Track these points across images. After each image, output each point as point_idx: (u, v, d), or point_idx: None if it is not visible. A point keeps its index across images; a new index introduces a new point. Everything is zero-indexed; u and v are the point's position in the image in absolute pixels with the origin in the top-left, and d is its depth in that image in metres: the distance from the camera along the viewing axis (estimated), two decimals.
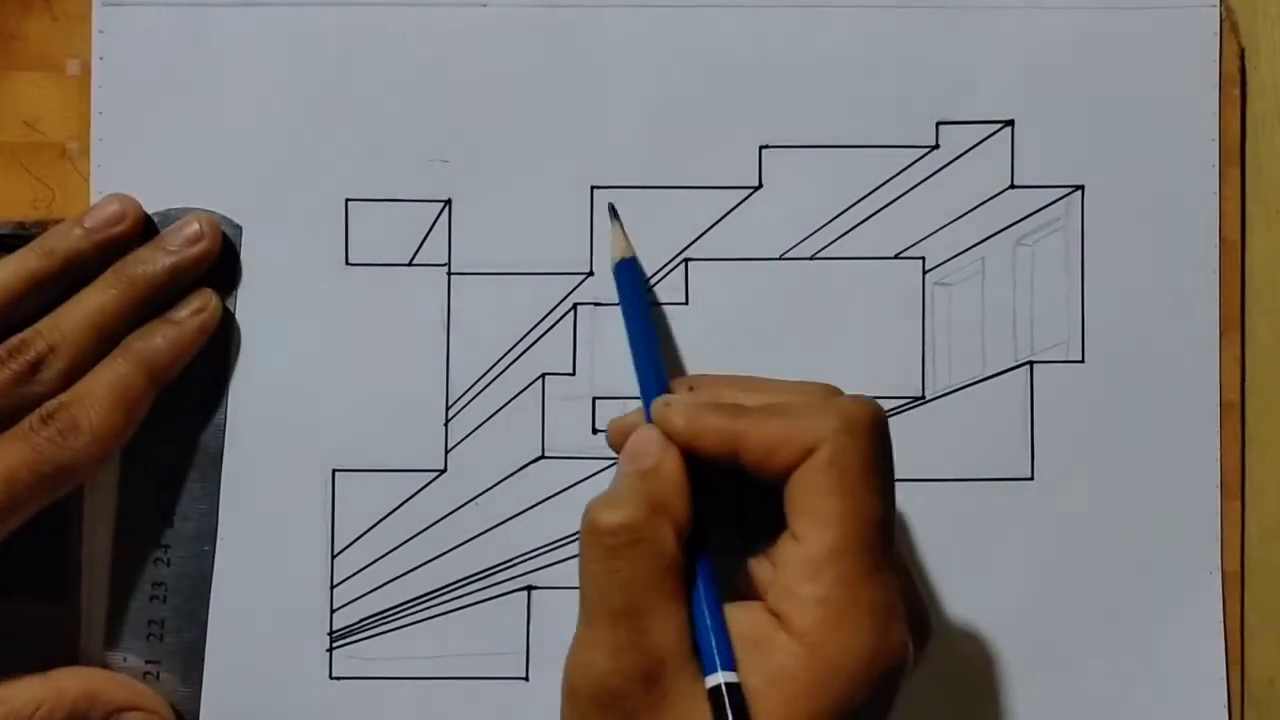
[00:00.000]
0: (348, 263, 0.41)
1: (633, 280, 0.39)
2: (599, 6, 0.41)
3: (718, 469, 0.34)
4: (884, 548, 0.32)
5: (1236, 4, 0.41)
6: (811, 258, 0.41)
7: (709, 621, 0.32)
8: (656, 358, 0.38)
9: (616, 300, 0.40)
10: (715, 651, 0.32)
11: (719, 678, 0.31)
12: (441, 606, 0.40)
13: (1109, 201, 0.41)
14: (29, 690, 0.36)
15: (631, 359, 0.38)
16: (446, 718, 0.40)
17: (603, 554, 0.32)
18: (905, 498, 0.40)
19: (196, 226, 0.39)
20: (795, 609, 0.31)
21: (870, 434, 0.33)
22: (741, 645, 0.32)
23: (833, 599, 0.31)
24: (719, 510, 0.35)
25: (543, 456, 0.41)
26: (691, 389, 0.36)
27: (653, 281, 0.41)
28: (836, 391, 0.36)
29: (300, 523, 0.40)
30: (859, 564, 0.32)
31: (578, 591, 0.33)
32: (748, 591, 0.34)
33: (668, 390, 0.36)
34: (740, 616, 0.32)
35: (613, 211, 0.40)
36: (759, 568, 0.34)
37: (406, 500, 0.40)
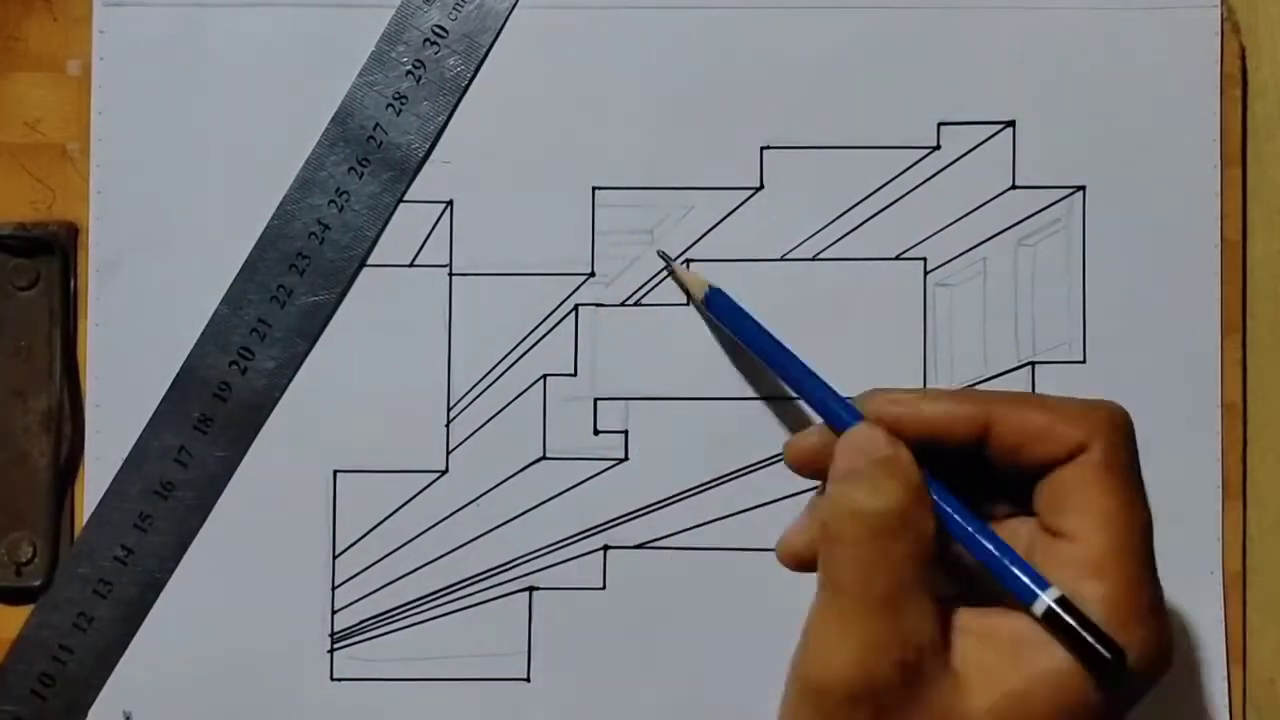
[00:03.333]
0: None
1: (730, 306, 0.39)
2: (600, 7, 0.41)
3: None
4: (1151, 559, 0.32)
5: (1237, 4, 0.41)
6: (813, 259, 0.41)
7: (998, 552, 0.32)
8: (807, 368, 0.37)
9: (619, 302, 0.40)
10: (1027, 576, 0.31)
11: (1050, 595, 0.31)
12: (443, 607, 0.40)
13: (1110, 202, 0.41)
14: None
15: (784, 380, 0.37)
16: (447, 719, 0.40)
17: (868, 537, 0.31)
18: None
19: None
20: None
21: (1132, 437, 0.33)
22: (1009, 646, 0.31)
23: (1117, 599, 0.31)
24: None
25: (544, 457, 0.41)
26: (894, 402, 0.34)
27: (653, 282, 0.41)
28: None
29: (301, 524, 0.40)
30: (1138, 566, 0.31)
31: (820, 579, 0.32)
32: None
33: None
34: (999, 620, 0.32)
35: (665, 259, 0.40)
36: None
37: (408, 501, 0.40)
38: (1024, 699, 0.31)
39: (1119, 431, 0.32)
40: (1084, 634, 0.30)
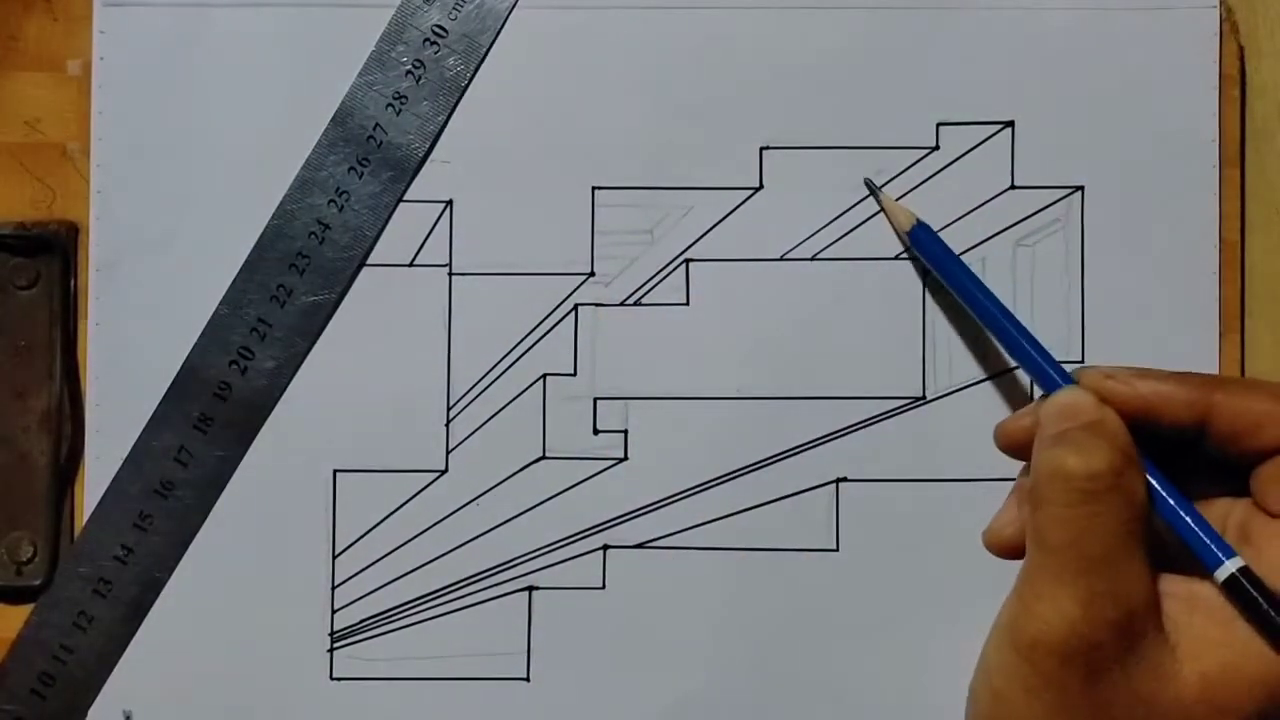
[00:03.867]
0: None
1: (940, 245, 0.39)
2: (600, 7, 0.41)
3: None
4: None
5: (1236, 4, 0.41)
6: (812, 259, 0.41)
7: (1190, 519, 0.32)
8: (1021, 324, 0.37)
9: (619, 302, 0.40)
10: (1214, 543, 0.32)
11: (1234, 564, 0.31)
12: (442, 607, 0.40)
13: (1109, 202, 0.41)
14: None
15: (995, 332, 0.38)
16: (447, 718, 0.40)
17: (1079, 499, 0.31)
18: (906, 498, 0.40)
19: None
20: None
21: None
22: (1219, 613, 0.32)
23: None
24: None
25: (544, 457, 0.41)
26: (1110, 377, 0.35)
27: (653, 281, 0.41)
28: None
29: (301, 523, 0.40)
30: None
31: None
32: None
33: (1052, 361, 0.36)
34: (1204, 588, 0.32)
35: (871, 187, 0.40)
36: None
37: (408, 501, 0.40)
38: (1235, 669, 0.31)
39: None
40: (1263, 604, 0.31)
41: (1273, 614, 0.31)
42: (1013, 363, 0.41)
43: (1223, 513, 0.34)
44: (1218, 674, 0.31)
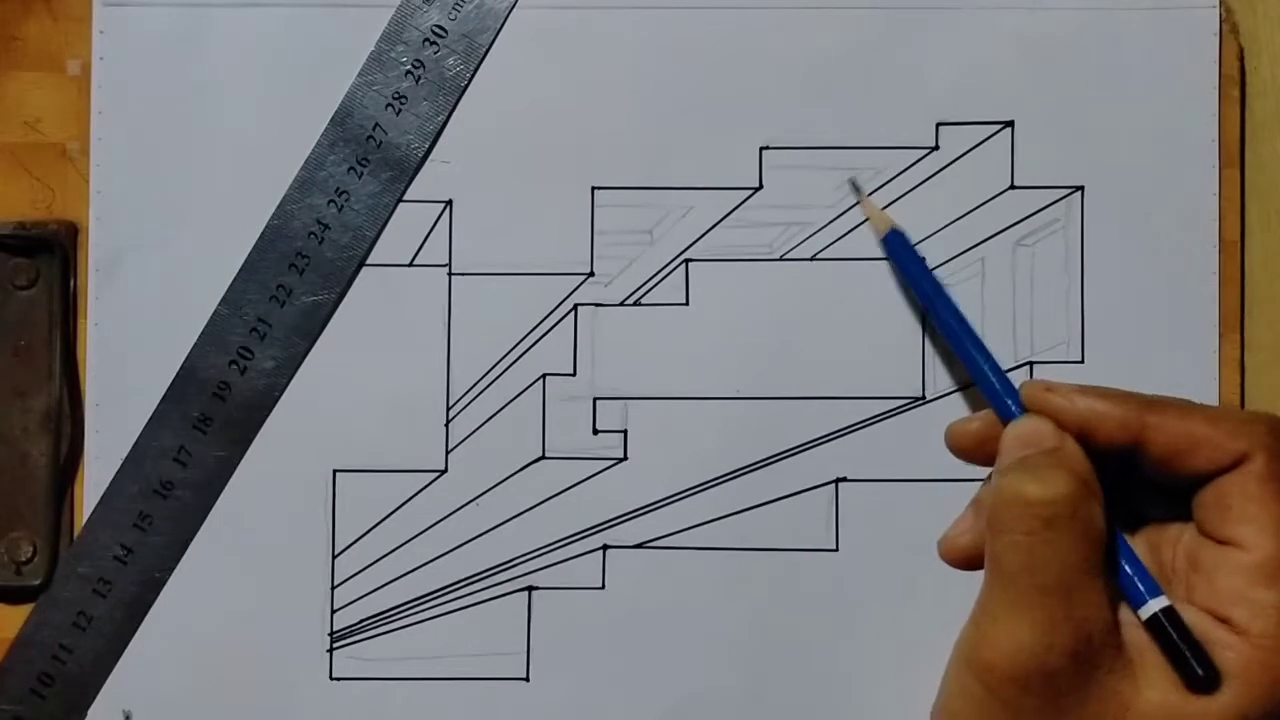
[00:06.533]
0: None
1: (911, 255, 0.38)
2: (600, 7, 0.41)
3: None
4: None
5: (1236, 4, 0.41)
6: (812, 259, 0.41)
7: (1124, 556, 0.32)
8: (980, 342, 0.37)
9: (618, 302, 0.40)
10: (1140, 581, 0.32)
11: (1157, 603, 0.31)
12: (442, 607, 0.41)
13: (1109, 202, 0.41)
14: None
15: (954, 347, 0.38)
16: (447, 718, 0.40)
17: (1037, 526, 0.31)
18: (906, 498, 0.40)
19: None
20: (1250, 614, 0.31)
21: None
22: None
23: None
24: None
25: (543, 457, 0.41)
26: (1050, 390, 0.35)
27: (653, 281, 0.41)
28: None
29: (301, 523, 0.40)
30: None
31: (994, 568, 0.32)
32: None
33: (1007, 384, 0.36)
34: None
35: (855, 188, 0.40)
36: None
37: (407, 500, 0.40)
38: (1195, 699, 0.31)
39: None
40: (1182, 647, 0.31)
41: (1188, 654, 0.31)
42: (1016, 362, 0.41)
43: (1175, 537, 0.34)
44: (1177, 703, 0.31)
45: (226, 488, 0.40)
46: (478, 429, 0.41)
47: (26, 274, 0.40)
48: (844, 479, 0.41)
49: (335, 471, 0.41)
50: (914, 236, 0.41)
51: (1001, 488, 0.32)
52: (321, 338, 0.41)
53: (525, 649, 0.41)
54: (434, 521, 0.41)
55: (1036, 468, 0.32)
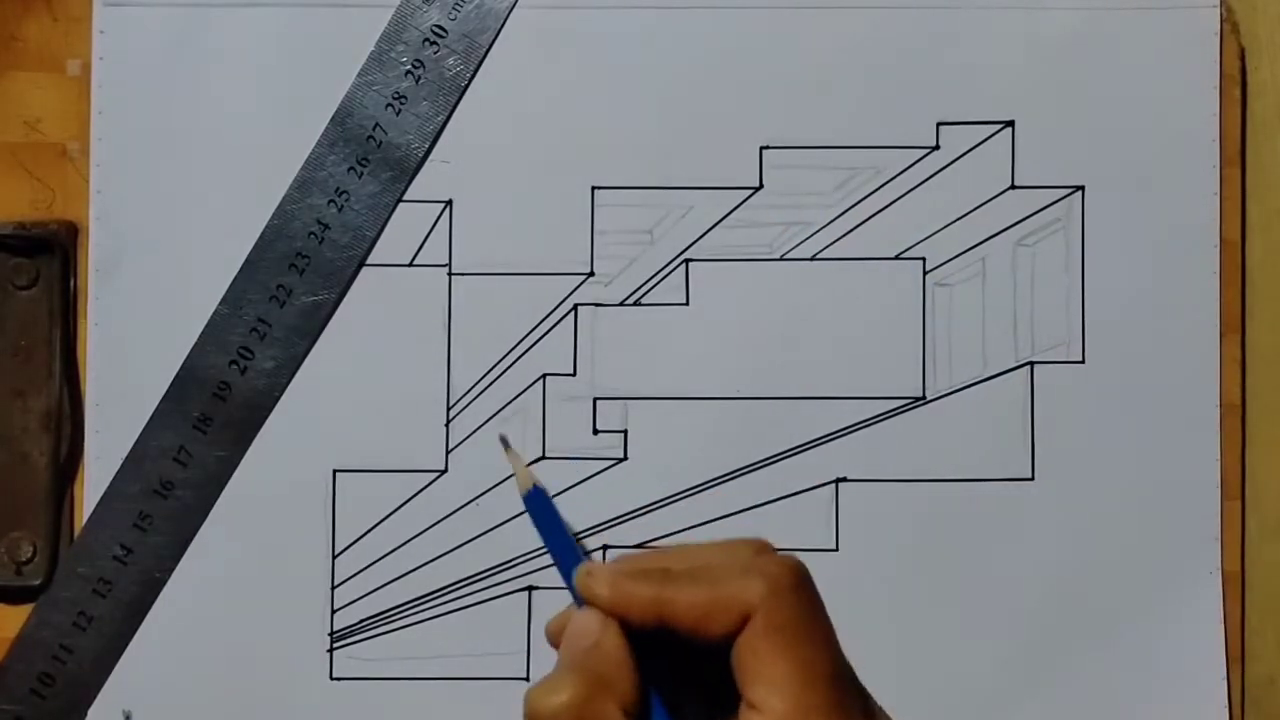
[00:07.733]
0: None
1: (547, 507, 0.37)
2: (600, 7, 0.41)
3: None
4: (846, 700, 0.31)
5: (1236, 4, 0.41)
6: (812, 258, 0.41)
7: None
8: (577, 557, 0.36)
9: (618, 302, 0.40)
10: None
11: None
12: (442, 607, 0.40)
13: (1109, 202, 0.41)
14: None
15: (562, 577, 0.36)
16: (447, 718, 0.40)
17: None
18: (906, 498, 0.40)
19: None
20: None
21: (797, 590, 0.32)
22: None
23: None
24: (681, 676, 0.33)
25: (543, 457, 0.41)
26: (589, 574, 0.34)
27: (653, 281, 0.41)
28: (765, 546, 0.34)
29: (301, 523, 0.40)
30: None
31: None
32: None
33: None
34: None
35: (504, 443, 0.39)
36: None
37: (407, 500, 0.40)
38: None
39: (778, 591, 0.31)
40: None
41: None
42: (1017, 362, 0.41)
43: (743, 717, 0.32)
44: None
45: (226, 488, 0.40)
46: (478, 429, 0.41)
47: (26, 274, 0.40)
48: (844, 479, 0.41)
49: (335, 471, 0.41)
50: (915, 236, 0.41)
51: (526, 698, 0.32)
52: (321, 338, 0.41)
53: (525, 649, 0.41)
54: (434, 521, 0.41)
55: (550, 679, 0.32)
